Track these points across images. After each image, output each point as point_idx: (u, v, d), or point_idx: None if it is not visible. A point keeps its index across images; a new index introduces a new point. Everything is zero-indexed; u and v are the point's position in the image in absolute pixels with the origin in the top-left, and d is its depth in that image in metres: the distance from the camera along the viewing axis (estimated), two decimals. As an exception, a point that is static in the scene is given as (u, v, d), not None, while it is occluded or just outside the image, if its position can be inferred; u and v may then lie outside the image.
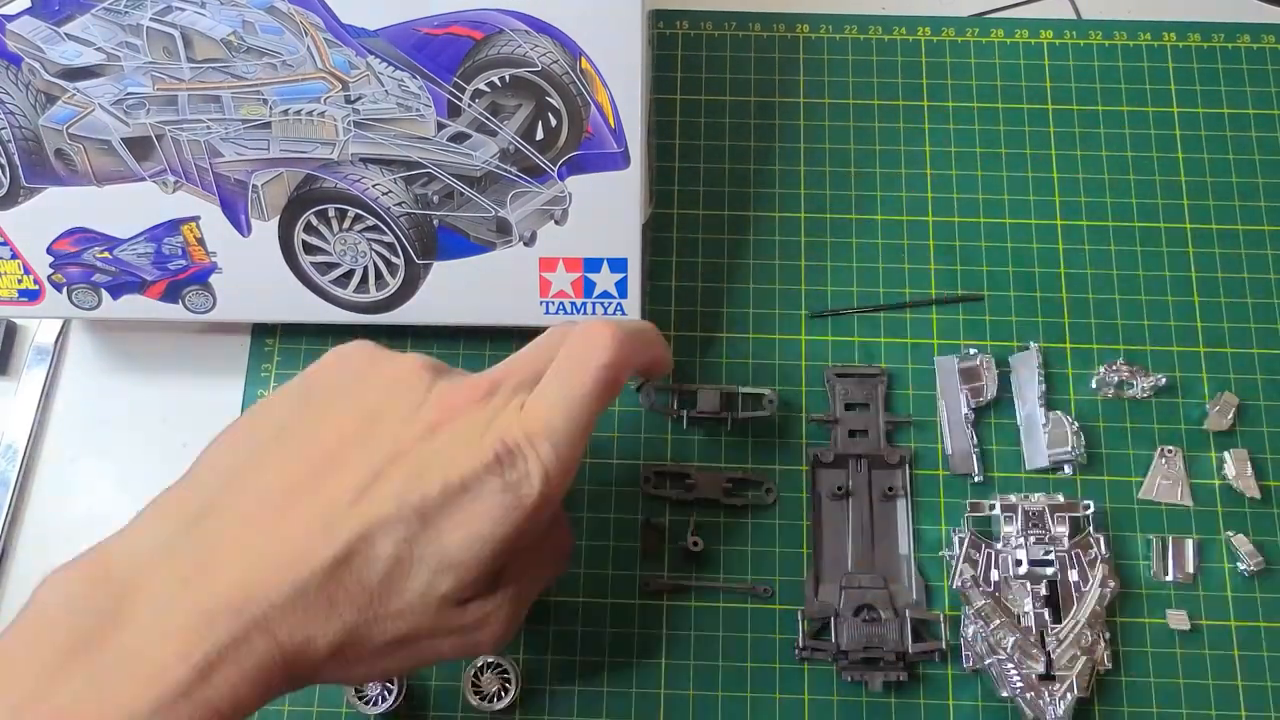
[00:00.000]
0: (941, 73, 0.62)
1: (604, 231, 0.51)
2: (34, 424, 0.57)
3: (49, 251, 0.52)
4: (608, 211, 0.51)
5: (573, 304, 0.52)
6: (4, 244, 0.52)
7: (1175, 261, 0.59)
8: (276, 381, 0.57)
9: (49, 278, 0.52)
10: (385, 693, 0.51)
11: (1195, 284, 0.58)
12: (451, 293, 0.52)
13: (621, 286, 0.52)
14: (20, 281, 0.52)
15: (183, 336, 0.58)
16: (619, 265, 0.52)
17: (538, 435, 0.37)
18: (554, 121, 0.50)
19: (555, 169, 0.51)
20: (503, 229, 0.51)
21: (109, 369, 0.58)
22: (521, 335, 0.57)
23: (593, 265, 0.52)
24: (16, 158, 0.50)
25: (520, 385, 0.39)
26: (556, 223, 0.51)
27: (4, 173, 0.51)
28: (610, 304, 0.52)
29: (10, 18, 0.49)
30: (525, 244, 0.52)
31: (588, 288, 0.52)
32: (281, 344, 0.58)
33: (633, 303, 0.52)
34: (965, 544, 0.52)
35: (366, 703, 0.50)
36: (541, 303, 0.52)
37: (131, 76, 0.50)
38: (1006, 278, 0.58)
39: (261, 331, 0.58)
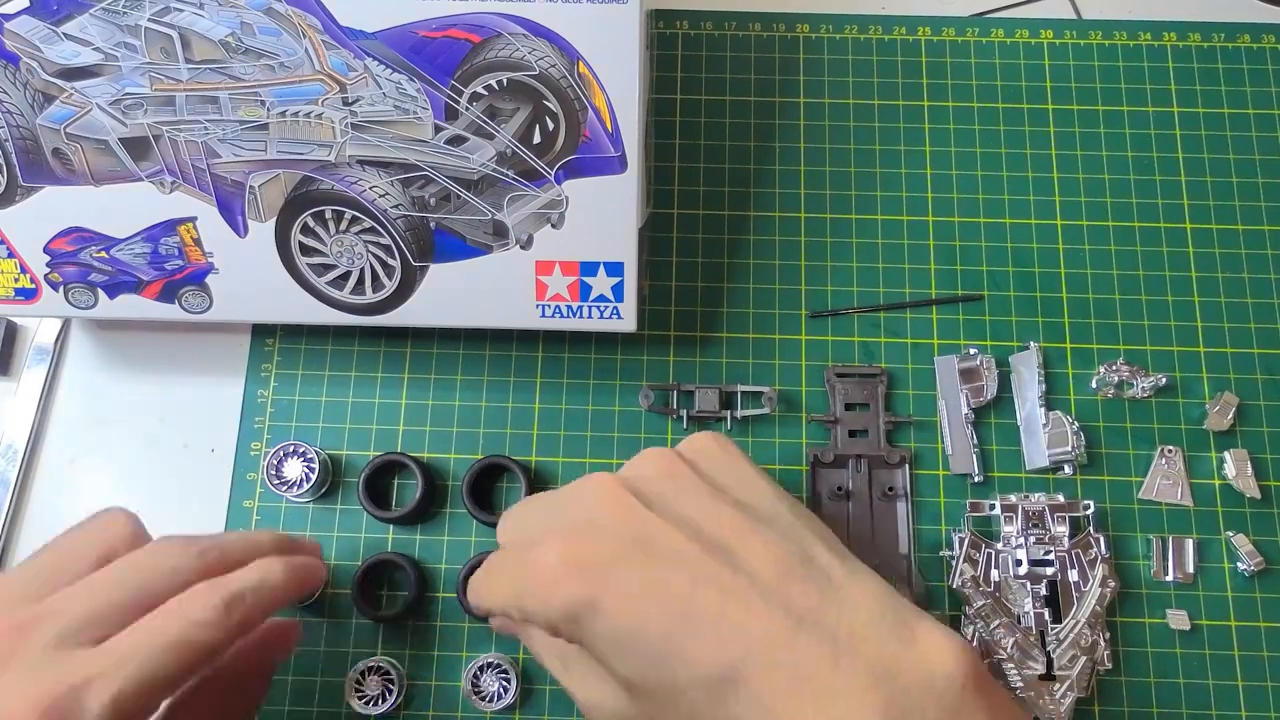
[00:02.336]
0: (941, 73, 0.62)
1: (600, 235, 0.51)
2: (34, 424, 0.57)
3: (46, 250, 0.52)
4: (604, 215, 0.51)
5: (569, 307, 0.52)
6: (1, 243, 0.52)
7: (1175, 261, 0.59)
8: (276, 381, 0.57)
9: (45, 277, 0.52)
10: (386, 692, 0.51)
11: (1195, 284, 0.58)
12: (448, 295, 0.52)
13: (618, 290, 0.52)
14: (17, 280, 0.52)
15: (182, 336, 0.58)
16: (615, 269, 0.52)
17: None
18: (551, 125, 0.50)
19: (552, 172, 0.51)
20: (499, 232, 0.51)
21: (109, 369, 0.58)
22: (520, 336, 0.58)
23: (589, 269, 0.52)
24: (14, 157, 0.50)
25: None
26: (553, 226, 0.51)
27: (1, 172, 0.51)
28: (606, 307, 0.52)
29: (9, 17, 0.49)
30: (522, 247, 0.52)
31: (584, 291, 0.52)
32: (281, 344, 0.58)
33: (629, 306, 0.52)
34: (965, 544, 0.52)
35: (366, 703, 0.50)
36: (538, 306, 0.52)
37: (129, 77, 0.49)
38: (1006, 278, 0.58)
39: (261, 331, 0.58)
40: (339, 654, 0.53)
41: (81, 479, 0.56)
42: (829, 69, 0.62)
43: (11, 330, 0.58)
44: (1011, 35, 0.63)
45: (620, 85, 0.50)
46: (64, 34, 0.49)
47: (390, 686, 0.51)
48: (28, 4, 0.49)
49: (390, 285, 0.52)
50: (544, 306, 0.52)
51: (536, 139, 0.50)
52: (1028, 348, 0.56)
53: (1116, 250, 0.59)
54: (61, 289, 0.52)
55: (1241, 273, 0.58)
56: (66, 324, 0.59)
